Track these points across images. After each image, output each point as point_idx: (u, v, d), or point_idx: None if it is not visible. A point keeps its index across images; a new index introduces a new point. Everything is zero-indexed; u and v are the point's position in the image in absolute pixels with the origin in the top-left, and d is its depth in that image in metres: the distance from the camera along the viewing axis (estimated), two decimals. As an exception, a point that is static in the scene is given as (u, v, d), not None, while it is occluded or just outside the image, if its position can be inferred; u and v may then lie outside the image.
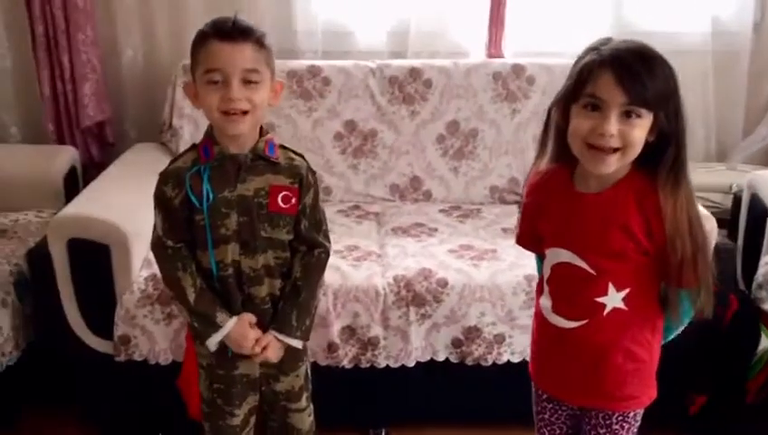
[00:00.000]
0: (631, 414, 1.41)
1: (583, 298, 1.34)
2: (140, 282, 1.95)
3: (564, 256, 1.35)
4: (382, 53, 2.68)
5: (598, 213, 1.31)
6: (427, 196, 2.53)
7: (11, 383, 2.05)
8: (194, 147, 1.48)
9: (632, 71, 1.20)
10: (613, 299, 1.32)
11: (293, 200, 1.45)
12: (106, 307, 1.96)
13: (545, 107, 1.37)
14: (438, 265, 2.03)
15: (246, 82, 1.38)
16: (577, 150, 1.28)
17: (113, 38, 2.68)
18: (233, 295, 1.48)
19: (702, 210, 1.42)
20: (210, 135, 1.44)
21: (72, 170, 2.56)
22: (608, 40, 1.27)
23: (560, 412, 1.48)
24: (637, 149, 1.24)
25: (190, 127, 2.46)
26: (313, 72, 2.51)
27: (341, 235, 2.22)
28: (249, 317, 1.47)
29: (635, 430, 1.44)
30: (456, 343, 2.00)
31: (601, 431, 1.41)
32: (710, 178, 2.56)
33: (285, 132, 2.45)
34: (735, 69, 2.68)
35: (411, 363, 2.01)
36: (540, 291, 1.45)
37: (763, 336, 2.04)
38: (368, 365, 2.00)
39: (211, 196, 1.41)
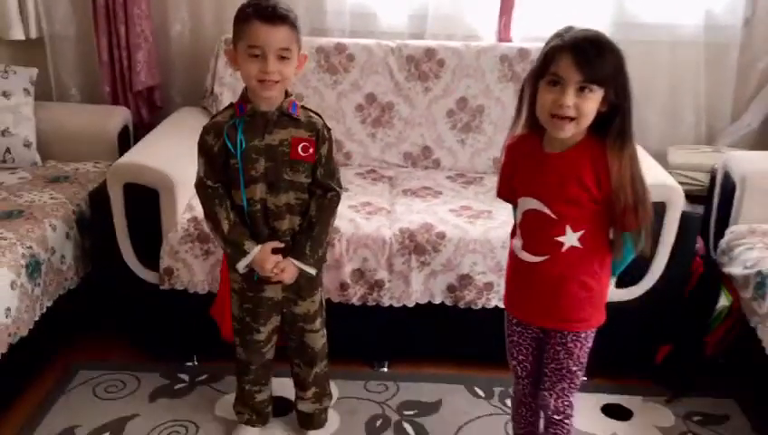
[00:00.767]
0: (583, 334, 1.69)
1: (546, 238, 1.62)
2: (183, 222, 2.25)
3: (533, 203, 1.63)
4: (403, 33, 2.92)
5: (559, 169, 1.59)
6: (437, 164, 2.81)
7: (71, 306, 2.39)
8: (231, 105, 1.79)
9: (586, 54, 1.47)
10: (570, 238, 1.60)
11: (311, 150, 1.76)
12: (153, 243, 2.26)
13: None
14: (439, 221, 2.31)
15: (280, 58, 1.68)
16: (543, 119, 1.56)
17: (164, 13, 2.95)
18: (260, 228, 1.80)
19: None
20: (245, 96, 1.75)
21: (125, 129, 2.86)
22: (569, 28, 1.54)
23: (525, 334, 1.77)
24: (589, 118, 1.52)
25: (229, 93, 2.70)
26: (339, 49, 2.77)
27: (357, 193, 2.52)
28: (272, 244, 1.78)
29: (587, 347, 1.71)
30: (451, 289, 2.28)
31: (558, 348, 1.70)
32: (696, 158, 2.78)
33: (312, 102, 2.71)
34: (725, 60, 2.88)
35: (411, 304, 2.29)
36: (513, 234, 1.74)
37: (723, 295, 2.30)
38: (374, 304, 2.28)
39: (244, 144, 1.72)
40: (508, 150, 1.71)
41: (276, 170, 1.75)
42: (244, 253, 1.77)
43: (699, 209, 2.62)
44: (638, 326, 2.33)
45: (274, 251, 1.79)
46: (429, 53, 2.77)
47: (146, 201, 2.24)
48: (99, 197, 2.32)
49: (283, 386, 2.16)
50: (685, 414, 2.24)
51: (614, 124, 1.54)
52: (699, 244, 2.50)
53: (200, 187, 1.79)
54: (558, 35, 1.54)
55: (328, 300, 2.21)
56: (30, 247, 2.13)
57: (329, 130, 1.81)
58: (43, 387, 2.27)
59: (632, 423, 2.21)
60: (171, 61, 3.04)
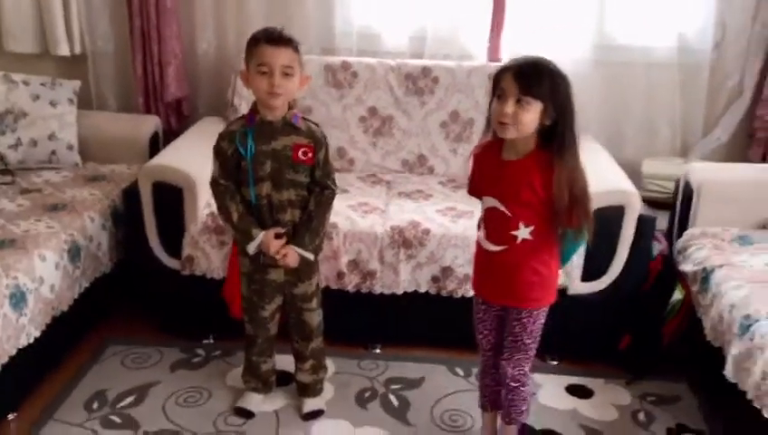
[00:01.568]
0: (536, 312, 1.98)
1: (504, 231, 1.91)
2: (203, 217, 2.58)
3: (492, 202, 1.92)
4: (404, 53, 3.22)
5: (514, 174, 1.88)
6: (431, 170, 3.11)
7: (105, 288, 2.74)
8: (242, 116, 2.13)
9: (524, 73, 1.78)
10: (523, 233, 1.89)
11: (310, 154, 2.08)
12: (177, 234, 2.59)
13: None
14: (425, 219, 2.61)
15: (284, 74, 2.01)
16: (494, 125, 1.85)
17: (192, 34, 3.29)
18: (265, 219, 2.12)
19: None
20: (254, 108, 2.09)
21: (155, 134, 3.20)
22: (520, 57, 1.85)
23: (489, 312, 2.06)
24: (527, 125, 1.79)
25: (246, 105, 2.90)
26: (345, 66, 3.09)
27: (356, 194, 2.84)
28: (274, 230, 2.10)
29: (540, 323, 1.99)
30: (435, 279, 2.58)
31: (515, 323, 1.99)
32: (667, 169, 3.05)
33: (319, 114, 3.03)
34: (697, 80, 3.15)
35: (400, 292, 2.59)
36: (479, 226, 2.04)
37: (677, 291, 2.58)
38: (367, 291, 2.58)
39: (253, 149, 2.06)
40: (475, 158, 2.01)
41: (280, 171, 2.08)
42: (252, 237, 2.10)
43: (665, 215, 2.92)
44: (602, 316, 2.61)
45: (277, 237, 2.11)
46: (425, 71, 3.09)
47: (171, 198, 2.57)
48: (131, 193, 2.66)
49: (285, 362, 2.47)
50: (641, 395, 2.51)
51: (556, 136, 1.84)
52: (664, 245, 2.78)
53: (214, 184, 2.13)
54: (508, 62, 1.85)
55: (327, 287, 2.53)
56: (72, 235, 2.49)
57: (325, 137, 2.14)
58: (79, 357, 2.62)
59: (592, 401, 2.48)
60: (197, 75, 3.37)
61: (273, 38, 2.00)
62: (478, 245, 2.03)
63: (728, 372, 2.11)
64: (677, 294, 2.56)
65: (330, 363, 2.52)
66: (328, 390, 2.47)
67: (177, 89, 3.27)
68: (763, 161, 3.12)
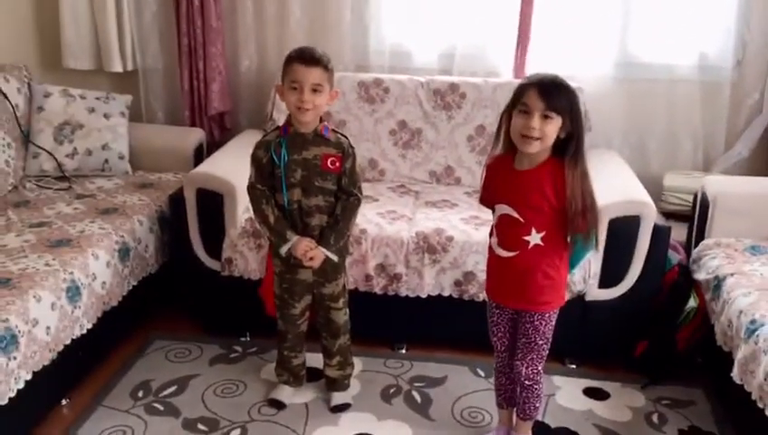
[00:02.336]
0: (547, 314, 2.10)
1: (516, 237, 2.04)
2: (242, 221, 2.76)
3: (505, 209, 2.06)
4: (433, 70, 3.38)
5: (527, 183, 2.01)
6: (457, 181, 3.26)
7: (151, 287, 2.94)
8: (277, 128, 2.32)
9: (548, 89, 1.91)
10: (534, 238, 2.02)
11: (337, 164, 2.26)
12: (217, 238, 2.77)
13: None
14: (450, 227, 2.76)
15: (313, 91, 2.19)
16: (515, 139, 1.99)
17: (235, 52, 3.49)
18: (296, 223, 2.30)
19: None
20: (288, 120, 2.27)
21: (200, 146, 3.41)
22: (537, 73, 1.99)
23: (503, 315, 2.19)
24: (550, 138, 1.94)
25: (285, 118, 3.26)
26: (377, 82, 3.27)
27: (385, 202, 3.00)
28: (307, 239, 2.27)
29: (551, 325, 2.12)
30: (458, 283, 2.72)
31: (527, 326, 2.11)
32: (688, 182, 3.15)
33: (353, 127, 3.21)
34: (719, 97, 3.25)
35: (424, 295, 2.72)
36: (491, 233, 2.18)
37: (692, 299, 2.66)
38: (393, 293, 2.73)
39: (286, 157, 2.24)
40: (488, 168, 2.14)
41: (310, 178, 2.25)
42: (287, 240, 2.28)
43: (685, 226, 3.01)
44: (619, 323, 2.71)
45: (306, 241, 2.29)
46: (453, 87, 3.24)
47: (213, 204, 2.76)
48: (176, 200, 2.86)
49: (316, 360, 2.63)
50: (655, 398, 2.60)
51: (570, 147, 1.96)
52: (683, 255, 2.88)
53: (251, 189, 2.32)
54: (527, 78, 2.00)
55: (355, 289, 2.69)
56: (122, 236, 2.70)
57: (353, 148, 2.31)
58: (127, 350, 2.83)
59: (608, 403, 2.58)
60: (239, 91, 3.57)
61: (304, 57, 2.18)
62: (491, 251, 2.15)
63: (735, 374, 2.20)
64: (692, 302, 2.64)
65: (357, 362, 2.68)
66: (355, 385, 2.62)
67: (220, 103, 3.47)
68: (783, 175, 3.19)
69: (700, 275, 2.63)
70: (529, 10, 3.27)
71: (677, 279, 2.72)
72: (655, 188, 3.01)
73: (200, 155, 3.39)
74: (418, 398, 2.59)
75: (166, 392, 2.58)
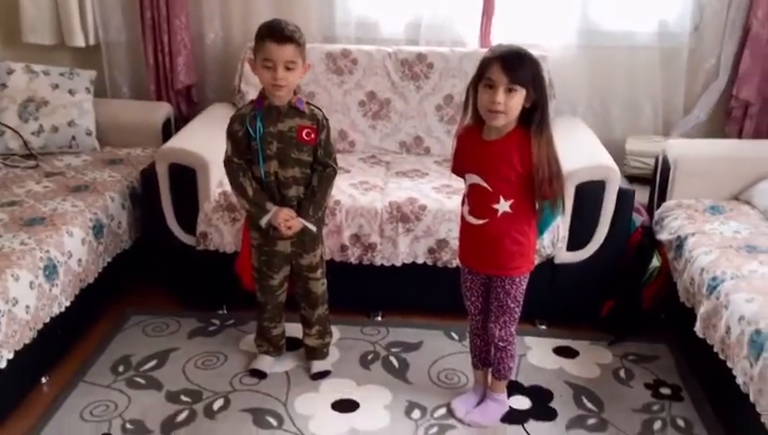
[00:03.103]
0: (517, 279, 2.18)
1: (485, 205, 2.10)
2: (215, 195, 2.77)
3: (475, 178, 2.11)
4: (400, 40, 3.40)
5: (494, 153, 2.06)
6: (427, 151, 3.31)
7: (126, 263, 2.95)
8: (251, 101, 2.33)
9: (510, 63, 1.96)
10: (503, 206, 2.08)
11: (313, 135, 2.29)
12: (191, 212, 2.79)
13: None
14: (422, 196, 2.81)
15: (287, 68, 2.20)
16: (482, 112, 2.04)
17: (200, 24, 3.46)
18: (273, 195, 2.33)
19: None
20: (263, 93, 2.28)
21: (168, 120, 3.39)
22: (499, 45, 2.04)
23: (475, 280, 2.27)
24: (515, 111, 2.00)
25: (253, 91, 3.09)
26: (345, 54, 3.27)
27: (357, 174, 3.04)
28: (287, 209, 2.30)
29: (522, 288, 2.20)
30: (431, 251, 2.78)
31: (499, 290, 2.20)
32: (649, 147, 3.24)
33: (322, 99, 3.22)
34: (677, 62, 3.33)
35: (399, 263, 2.78)
36: (463, 202, 2.23)
37: (655, 258, 2.78)
38: (368, 263, 2.78)
39: (262, 130, 2.26)
40: (458, 139, 2.19)
41: (286, 150, 2.28)
42: (266, 211, 2.30)
43: (647, 189, 3.12)
44: (587, 284, 2.81)
45: (284, 212, 2.32)
46: (421, 57, 3.27)
47: (185, 178, 2.76)
48: (148, 175, 2.85)
49: (294, 329, 2.68)
50: (622, 354, 2.72)
51: (535, 116, 2.02)
52: (645, 217, 2.98)
53: (228, 163, 2.34)
54: (491, 50, 2.04)
55: (331, 259, 2.73)
56: (95, 214, 2.69)
57: (327, 120, 2.34)
58: (104, 326, 2.84)
59: (577, 361, 2.69)
60: (206, 64, 3.55)
61: (276, 36, 2.18)
62: (462, 219, 2.21)
63: (698, 329, 2.32)
64: (656, 262, 2.75)
65: (335, 330, 2.73)
66: (333, 353, 2.68)
67: (186, 77, 3.45)
68: (740, 137, 3.31)
69: (663, 236, 2.74)
70: (493, -21, 3.30)
71: (641, 240, 2.83)
72: (618, 153, 3.10)
73: (169, 129, 3.38)
74: (396, 363, 2.66)
75: (146, 366, 2.61)
